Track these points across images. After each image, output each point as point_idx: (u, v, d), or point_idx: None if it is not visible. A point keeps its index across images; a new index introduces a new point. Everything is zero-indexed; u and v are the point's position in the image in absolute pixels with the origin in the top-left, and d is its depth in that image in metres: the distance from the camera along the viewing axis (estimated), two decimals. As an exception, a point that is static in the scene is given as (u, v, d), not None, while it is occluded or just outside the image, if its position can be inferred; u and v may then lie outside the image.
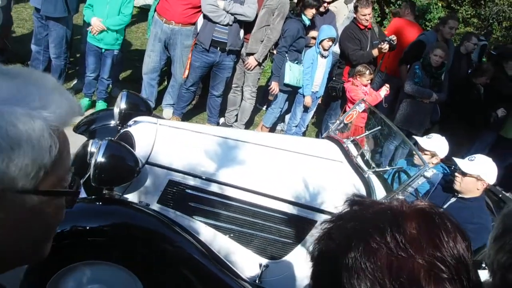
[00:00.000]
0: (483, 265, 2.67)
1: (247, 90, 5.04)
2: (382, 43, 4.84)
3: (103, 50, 4.56)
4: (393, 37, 4.88)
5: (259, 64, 4.86)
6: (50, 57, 4.64)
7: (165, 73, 5.65)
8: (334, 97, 5.19)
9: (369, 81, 4.78)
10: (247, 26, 4.77)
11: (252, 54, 4.77)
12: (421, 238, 0.58)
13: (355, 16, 5.07)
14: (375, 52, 4.95)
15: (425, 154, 3.18)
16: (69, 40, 4.69)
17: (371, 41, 5.06)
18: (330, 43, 4.82)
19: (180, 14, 4.57)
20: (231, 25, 4.48)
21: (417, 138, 3.32)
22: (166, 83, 5.57)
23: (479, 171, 2.78)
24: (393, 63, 5.54)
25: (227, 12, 4.41)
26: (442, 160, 3.44)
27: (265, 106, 5.89)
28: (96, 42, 4.49)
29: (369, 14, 4.97)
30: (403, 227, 0.59)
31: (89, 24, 4.46)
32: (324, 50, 4.85)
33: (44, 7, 4.33)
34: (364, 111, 3.58)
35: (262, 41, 4.73)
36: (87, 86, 4.76)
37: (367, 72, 4.70)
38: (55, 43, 4.53)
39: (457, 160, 2.91)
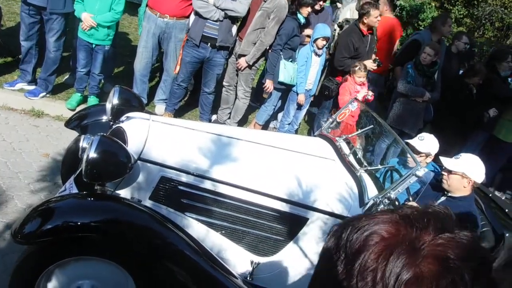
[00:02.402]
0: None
1: (241, 90, 5.03)
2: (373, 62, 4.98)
3: (93, 46, 4.52)
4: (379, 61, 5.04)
5: (249, 66, 4.84)
6: (44, 51, 4.60)
7: (157, 69, 5.62)
8: (326, 96, 5.20)
9: (364, 79, 4.78)
10: (242, 24, 4.75)
11: (244, 55, 4.75)
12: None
13: (365, 21, 4.95)
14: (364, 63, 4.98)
15: (420, 156, 3.22)
16: (66, 33, 4.67)
17: (370, 45, 5.08)
18: (324, 42, 4.83)
19: (175, 7, 4.55)
20: (221, 20, 4.47)
21: (411, 141, 3.34)
22: (158, 78, 5.54)
23: (464, 168, 2.82)
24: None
25: (217, 7, 4.40)
26: (433, 159, 3.47)
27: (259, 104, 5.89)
28: (87, 37, 4.46)
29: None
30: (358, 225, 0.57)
31: (80, 20, 4.42)
32: (318, 48, 4.86)
33: (52, 4, 4.30)
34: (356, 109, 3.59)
35: (255, 44, 4.71)
36: (79, 81, 4.73)
37: (362, 69, 4.71)
38: (56, 37, 4.51)
39: (442, 159, 2.96)
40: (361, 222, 0.58)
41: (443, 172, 2.95)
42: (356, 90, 4.75)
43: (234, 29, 4.66)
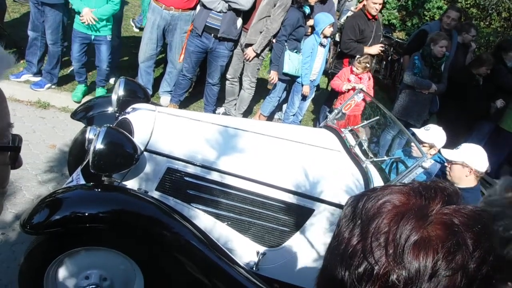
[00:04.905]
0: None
1: (246, 80, 5.02)
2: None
3: (92, 38, 4.48)
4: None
5: (257, 55, 4.83)
6: (47, 43, 4.59)
7: (161, 60, 5.61)
8: None
9: (362, 71, 4.75)
10: (247, 16, 4.73)
11: (251, 45, 4.74)
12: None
13: (365, 3, 5.02)
14: (369, 49, 4.96)
15: (423, 146, 3.19)
16: (65, 26, 4.63)
17: (375, 31, 5.05)
18: (332, 29, 4.81)
19: None
20: (225, 12, 4.45)
21: (415, 130, 3.32)
22: (162, 70, 5.54)
23: (463, 157, 2.83)
24: None
25: None
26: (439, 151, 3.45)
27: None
28: (85, 29, 4.41)
29: (379, 3, 4.95)
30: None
31: (78, 13, 4.36)
32: (325, 37, 4.83)
33: None
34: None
35: (261, 32, 4.70)
36: (77, 74, 4.71)
37: (363, 62, 4.67)
38: (51, 29, 4.47)
39: (443, 150, 2.97)
40: (376, 192, 0.65)
41: (446, 164, 2.97)
42: (348, 79, 4.75)
43: (239, 21, 4.63)
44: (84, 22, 4.32)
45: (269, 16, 4.64)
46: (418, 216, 0.59)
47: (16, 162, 0.76)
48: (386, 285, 0.58)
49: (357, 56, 4.78)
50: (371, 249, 0.60)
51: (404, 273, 0.57)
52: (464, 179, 2.86)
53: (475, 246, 0.59)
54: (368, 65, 4.75)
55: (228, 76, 5.12)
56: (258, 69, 5.08)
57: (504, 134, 5.49)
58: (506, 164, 5.66)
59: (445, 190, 0.64)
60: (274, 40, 4.90)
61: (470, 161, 2.82)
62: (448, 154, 2.91)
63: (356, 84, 4.65)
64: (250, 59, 4.82)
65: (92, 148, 2.23)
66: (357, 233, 0.62)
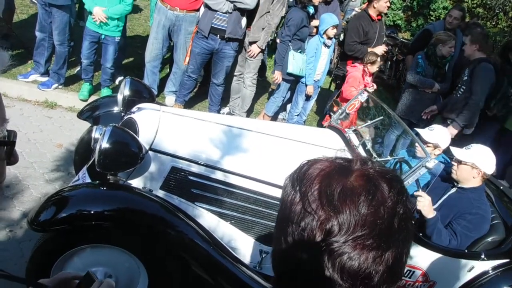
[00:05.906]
0: (482, 256, 2.71)
1: (248, 78, 5.04)
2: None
3: (102, 37, 4.54)
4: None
5: (262, 51, 4.86)
6: (54, 44, 4.64)
7: (167, 60, 5.65)
8: (337, 85, 5.21)
9: (377, 69, 4.81)
10: (251, 16, 4.75)
11: (255, 42, 4.77)
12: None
13: (375, 5, 4.99)
14: (373, 51, 4.97)
15: (427, 146, 3.19)
16: (72, 27, 4.68)
17: (379, 32, 5.06)
18: (335, 30, 4.82)
19: (184, 0, 4.56)
20: (230, 12, 4.48)
21: (419, 130, 3.31)
22: (168, 70, 5.58)
23: (474, 159, 2.80)
24: None
25: None
26: (443, 151, 3.44)
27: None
28: (96, 28, 4.47)
29: (388, 1, 4.97)
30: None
31: (90, 12, 4.43)
32: (329, 38, 4.84)
33: None
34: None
35: (263, 29, 4.72)
36: (84, 72, 4.76)
37: (378, 59, 4.72)
38: (58, 30, 4.52)
39: (453, 149, 2.94)
40: (305, 165, 0.78)
41: (453, 162, 2.94)
42: (366, 83, 4.74)
43: (244, 21, 4.66)
44: (96, 21, 4.37)
45: (269, 12, 4.68)
46: (342, 172, 0.73)
47: (11, 157, 0.78)
48: (325, 233, 0.68)
49: (366, 59, 4.77)
50: (309, 203, 0.71)
51: (340, 219, 0.68)
52: (471, 180, 2.84)
53: (389, 188, 0.71)
54: (379, 60, 4.78)
55: (236, 73, 5.15)
56: (259, 65, 5.11)
57: (509, 135, 5.45)
58: (511, 165, 5.63)
59: (361, 157, 0.77)
60: (278, 41, 4.92)
61: (481, 163, 2.78)
62: (458, 153, 2.86)
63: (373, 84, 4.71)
64: (255, 55, 4.85)
65: (98, 147, 2.26)
66: (297, 195, 0.73)
